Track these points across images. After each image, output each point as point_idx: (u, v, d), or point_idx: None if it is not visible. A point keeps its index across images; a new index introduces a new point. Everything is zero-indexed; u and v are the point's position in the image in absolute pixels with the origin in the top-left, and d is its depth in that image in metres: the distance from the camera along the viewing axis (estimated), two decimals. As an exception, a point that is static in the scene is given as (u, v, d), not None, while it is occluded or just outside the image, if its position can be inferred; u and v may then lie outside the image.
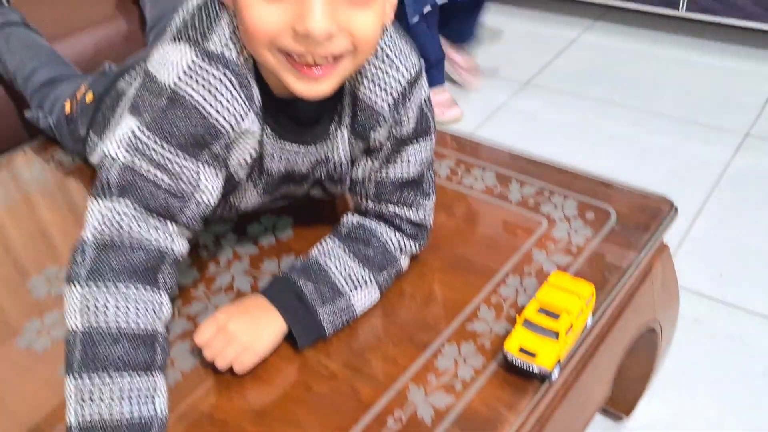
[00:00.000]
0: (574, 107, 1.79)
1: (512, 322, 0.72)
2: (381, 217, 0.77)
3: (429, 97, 0.73)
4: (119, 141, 0.61)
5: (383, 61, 0.67)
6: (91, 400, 0.57)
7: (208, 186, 0.64)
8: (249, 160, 0.69)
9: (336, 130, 0.72)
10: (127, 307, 0.60)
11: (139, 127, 0.61)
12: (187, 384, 0.70)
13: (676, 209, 0.86)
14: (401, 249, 0.76)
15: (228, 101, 0.61)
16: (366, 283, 0.73)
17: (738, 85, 1.81)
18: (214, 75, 0.60)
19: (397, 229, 0.77)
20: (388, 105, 0.68)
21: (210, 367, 0.71)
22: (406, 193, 0.76)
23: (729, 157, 1.58)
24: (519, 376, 0.67)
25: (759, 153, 1.58)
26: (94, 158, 0.93)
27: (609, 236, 0.82)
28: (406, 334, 0.73)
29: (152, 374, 0.60)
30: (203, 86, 0.60)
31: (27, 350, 0.76)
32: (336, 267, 0.73)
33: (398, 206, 0.76)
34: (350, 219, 0.78)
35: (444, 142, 1.00)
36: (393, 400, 0.66)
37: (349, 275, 0.73)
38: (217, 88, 0.61)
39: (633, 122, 1.72)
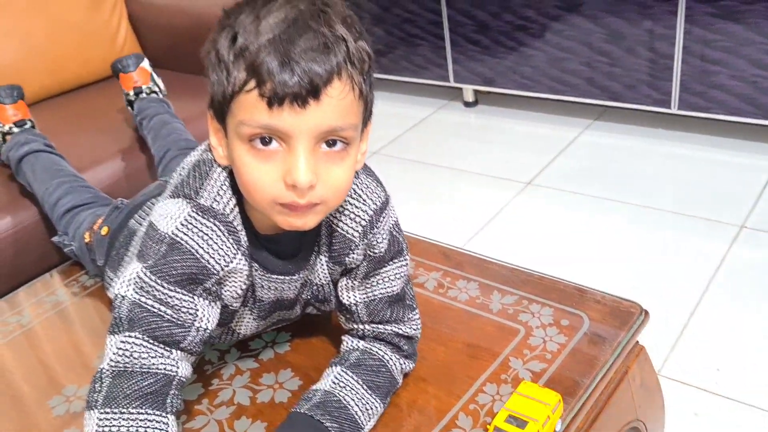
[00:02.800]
0: (575, 205, 1.87)
1: (486, 430, 0.77)
2: (379, 338, 0.83)
3: (397, 223, 0.82)
4: (128, 282, 0.71)
5: (353, 197, 0.78)
6: None
7: (205, 315, 0.73)
8: (241, 292, 0.78)
9: (316, 258, 0.82)
10: (137, 430, 0.67)
11: (143, 270, 0.71)
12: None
13: (647, 313, 0.91)
14: (401, 370, 0.84)
15: (218, 246, 0.71)
16: (378, 411, 0.80)
17: (732, 178, 1.88)
18: (206, 225, 0.71)
19: (397, 349, 0.83)
20: (359, 233, 0.78)
21: (208, 479, 0.77)
22: (397, 310, 0.83)
23: (725, 250, 1.62)
24: None
25: (755, 245, 1.63)
26: (111, 293, 1.02)
27: (581, 341, 0.88)
28: (391, 443, 0.78)
29: None
30: (197, 234, 0.71)
31: (45, 467, 0.83)
32: (354, 401, 0.77)
33: (393, 324, 0.83)
34: (354, 344, 0.84)
35: (432, 256, 1.08)
36: (375, 508, 0.71)
37: (366, 408, 0.78)
38: (209, 236, 0.71)
39: (632, 218, 1.78)
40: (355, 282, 0.82)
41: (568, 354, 0.86)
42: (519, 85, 2.27)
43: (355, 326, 0.84)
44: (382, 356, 0.82)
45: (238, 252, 0.73)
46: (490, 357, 0.88)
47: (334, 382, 0.79)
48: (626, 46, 2.00)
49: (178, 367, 0.72)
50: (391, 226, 0.81)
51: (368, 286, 0.82)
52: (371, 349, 0.83)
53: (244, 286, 0.78)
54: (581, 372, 0.84)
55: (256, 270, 0.78)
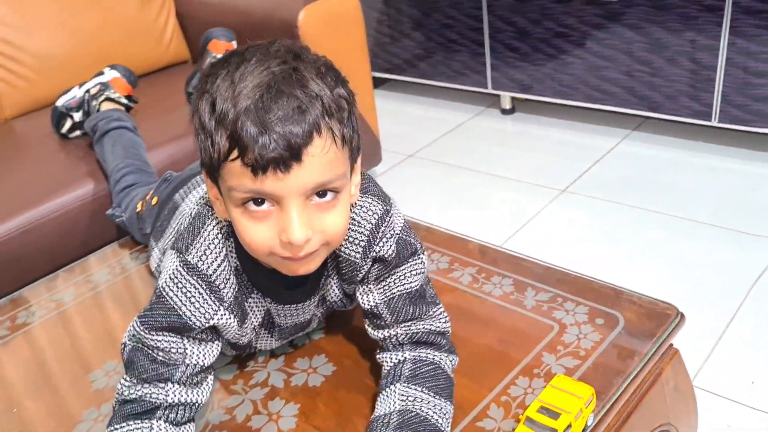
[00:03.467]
0: (610, 214, 1.86)
1: (518, 420, 0.77)
2: (417, 342, 0.82)
3: (404, 228, 0.82)
4: (129, 332, 0.78)
5: (352, 222, 0.79)
6: None
7: (194, 353, 0.77)
8: (256, 328, 0.84)
9: (325, 280, 0.85)
10: None
11: (137, 320, 0.77)
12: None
13: (682, 315, 0.91)
14: (451, 367, 0.83)
15: (200, 304, 0.75)
16: (451, 414, 0.78)
17: (772, 192, 1.85)
18: (189, 282, 0.75)
19: (438, 347, 0.82)
20: (359, 254, 0.79)
21: (242, 455, 0.78)
22: (419, 306, 0.82)
23: (764, 264, 1.60)
24: None
25: (795, 259, 1.60)
26: (152, 263, 1.06)
27: (616, 341, 0.88)
28: None
29: None
30: (181, 291, 0.75)
31: (84, 437, 0.85)
32: (431, 411, 0.76)
33: (421, 322, 0.82)
34: (398, 357, 0.82)
35: (468, 252, 1.08)
36: (404, 491, 0.72)
37: (443, 414, 0.76)
38: (191, 293, 0.75)
39: (669, 229, 1.77)
40: (370, 286, 0.83)
41: (602, 352, 0.86)
42: (557, 93, 2.27)
43: (385, 333, 0.82)
44: (432, 359, 0.81)
45: (220, 308, 0.77)
46: (523, 351, 0.88)
47: (402, 400, 0.77)
48: (668, 56, 1.99)
49: (167, 395, 0.76)
50: (397, 233, 0.80)
51: (385, 286, 0.82)
52: (419, 356, 0.81)
53: (257, 323, 0.83)
54: (615, 370, 0.84)
55: (270, 303, 0.83)
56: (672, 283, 1.57)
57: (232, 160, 0.65)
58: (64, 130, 1.61)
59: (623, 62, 2.08)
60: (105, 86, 1.58)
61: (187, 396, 0.77)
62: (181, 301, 0.75)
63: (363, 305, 0.83)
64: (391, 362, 0.82)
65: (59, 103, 1.60)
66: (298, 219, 0.66)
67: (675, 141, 2.15)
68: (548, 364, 0.85)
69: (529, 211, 1.91)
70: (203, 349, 0.78)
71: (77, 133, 1.61)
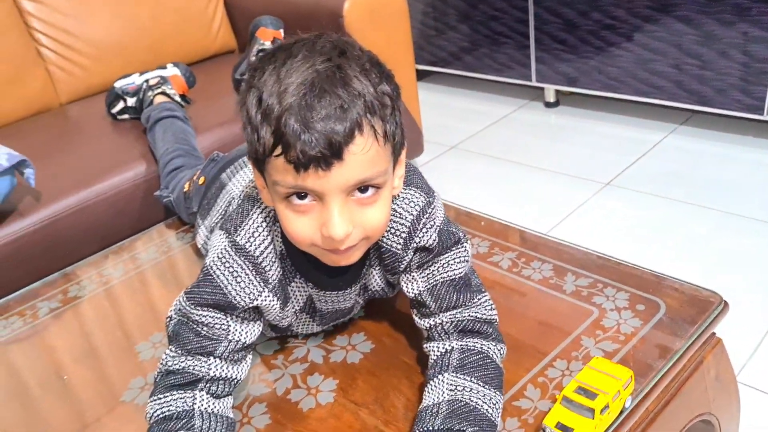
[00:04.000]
0: (656, 208, 1.83)
1: (555, 400, 0.77)
2: (464, 331, 0.81)
3: (445, 220, 0.82)
4: (175, 306, 0.81)
5: (393, 213, 0.80)
6: None
7: (238, 330, 0.79)
8: (297, 312, 0.87)
9: (367, 270, 0.86)
10: (162, 406, 0.76)
11: (184, 296, 0.79)
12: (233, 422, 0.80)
13: (726, 303, 0.89)
14: (500, 356, 0.81)
15: (246, 284, 0.77)
16: (501, 404, 0.77)
17: (826, 189, 1.80)
18: (237, 262, 0.77)
19: (485, 336, 0.81)
20: (401, 245, 0.81)
21: (281, 425, 0.80)
22: (464, 293, 0.82)
23: (815, 261, 1.56)
24: None
25: None
26: (198, 240, 1.09)
27: (657, 327, 0.87)
28: (457, 408, 0.79)
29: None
30: (228, 270, 0.77)
31: (130, 403, 0.88)
32: (480, 400, 0.74)
33: (466, 309, 0.81)
34: (445, 347, 0.81)
35: (508, 237, 1.08)
36: (439, 465, 0.73)
37: (493, 404, 0.75)
38: (237, 273, 0.77)
39: (715, 223, 1.73)
40: (413, 273, 0.83)
41: (642, 337, 0.86)
42: (603, 86, 2.24)
43: (430, 321, 0.82)
44: (480, 348, 0.79)
45: (264, 290, 0.79)
46: (562, 335, 0.88)
47: (451, 390, 0.76)
48: (719, 49, 1.95)
49: (209, 369, 0.78)
50: (437, 225, 0.81)
51: (429, 274, 0.82)
52: (466, 345, 0.80)
53: (298, 307, 0.85)
54: (655, 355, 0.83)
55: (312, 288, 0.84)
56: (718, 276, 1.54)
57: (276, 156, 0.66)
58: (115, 110, 1.67)
59: (672, 55, 2.05)
60: (164, 80, 1.63)
61: (228, 371, 0.79)
62: (227, 280, 0.77)
63: (408, 293, 0.84)
64: (438, 352, 0.81)
65: (117, 84, 1.66)
66: (338, 215, 0.68)
67: (724, 135, 2.11)
68: (587, 348, 0.85)
69: (571, 203, 1.90)
70: (245, 328, 0.80)
71: (126, 116, 1.67)
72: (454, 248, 0.82)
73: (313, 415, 0.82)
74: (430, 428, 0.72)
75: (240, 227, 0.78)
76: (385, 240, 0.81)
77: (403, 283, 0.84)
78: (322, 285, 0.84)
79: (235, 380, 0.80)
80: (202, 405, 0.77)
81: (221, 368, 0.78)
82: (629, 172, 2.01)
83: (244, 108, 0.69)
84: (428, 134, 2.20)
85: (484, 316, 0.82)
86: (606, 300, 0.92)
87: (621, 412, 0.76)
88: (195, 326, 0.78)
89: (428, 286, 0.82)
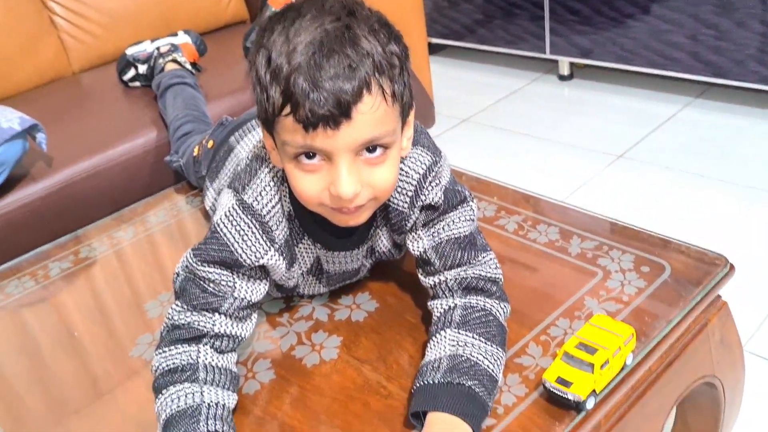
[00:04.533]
0: (668, 181, 1.81)
1: (556, 354, 0.78)
2: (467, 288, 0.81)
3: (451, 180, 0.83)
4: (182, 262, 0.80)
5: (400, 173, 0.80)
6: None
7: (243, 288, 0.80)
8: (304, 272, 0.87)
9: (374, 231, 0.86)
10: (167, 359, 0.77)
11: (191, 253, 0.79)
12: (265, 393, 0.81)
13: (732, 266, 0.89)
14: (504, 315, 0.81)
15: (251, 242, 0.78)
16: (503, 361, 0.77)
17: (843, 161, 1.77)
18: (244, 221, 0.77)
19: (488, 294, 0.81)
20: (407, 204, 0.81)
21: (285, 380, 0.81)
22: (469, 252, 0.82)
23: (829, 233, 1.54)
24: (557, 406, 0.73)
25: None
26: (207, 203, 1.10)
27: (661, 288, 0.87)
28: (459, 365, 0.80)
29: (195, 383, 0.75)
30: (235, 228, 0.77)
31: (138, 359, 0.90)
32: (482, 356, 0.75)
33: (471, 267, 0.81)
34: (449, 304, 0.81)
35: (514, 200, 1.08)
36: (440, 418, 0.74)
37: (495, 359, 0.75)
38: (245, 231, 0.77)
39: (730, 196, 1.72)
40: (419, 232, 0.84)
41: (646, 298, 0.85)
42: (618, 58, 2.21)
43: (435, 279, 0.83)
44: (483, 306, 0.79)
45: (271, 249, 0.79)
46: (565, 295, 0.88)
47: (452, 345, 0.76)
48: (737, 19, 1.92)
49: (214, 325, 0.78)
50: (443, 184, 0.81)
51: (434, 232, 0.83)
52: (469, 303, 0.80)
53: (305, 268, 0.86)
54: (658, 316, 0.83)
55: (319, 249, 0.85)
56: (731, 247, 1.52)
57: (285, 115, 0.67)
58: (126, 77, 1.68)
59: (689, 26, 2.02)
60: (175, 48, 1.64)
61: (232, 328, 0.79)
62: (233, 238, 0.77)
63: (413, 252, 0.84)
64: (441, 309, 0.82)
65: (129, 51, 1.67)
66: (347, 174, 0.69)
67: (741, 108, 2.08)
68: (590, 308, 0.85)
69: (583, 175, 1.89)
70: (251, 286, 0.80)
71: (137, 83, 1.68)
72: (459, 207, 0.83)
73: (317, 371, 0.83)
74: (430, 382, 0.73)
75: (248, 186, 0.78)
76: (391, 199, 0.81)
77: (408, 241, 0.84)
78: (330, 245, 0.85)
79: (240, 338, 0.80)
80: (206, 358, 0.77)
81: (226, 325, 0.79)
82: (642, 145, 1.99)
83: (254, 68, 0.70)
84: (440, 107, 2.19)
85: (489, 275, 0.82)
86: (611, 262, 0.92)
87: (622, 369, 0.76)
88: (201, 282, 0.78)
89: (433, 244, 0.82)
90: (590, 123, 2.15)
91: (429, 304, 0.84)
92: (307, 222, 0.82)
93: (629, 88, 2.30)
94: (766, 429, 1.14)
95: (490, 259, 0.83)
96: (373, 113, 0.67)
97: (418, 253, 0.84)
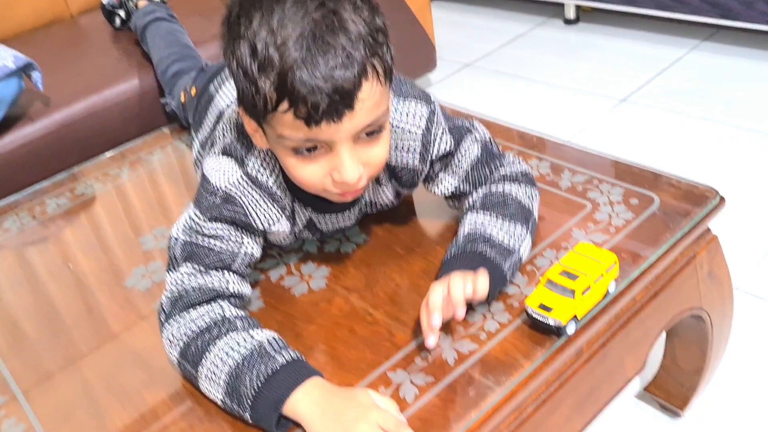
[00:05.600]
0: (671, 124, 1.79)
1: (539, 281, 0.78)
2: (487, 188, 0.85)
3: (446, 116, 0.84)
4: (182, 227, 0.79)
5: (397, 132, 0.80)
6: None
7: (251, 244, 0.80)
8: (299, 230, 0.86)
9: (376, 189, 0.86)
10: (188, 324, 0.74)
11: (196, 214, 0.78)
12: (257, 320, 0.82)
13: (722, 199, 0.89)
14: (529, 196, 0.84)
15: (264, 211, 0.79)
16: (523, 236, 0.80)
17: None
18: (253, 193, 0.78)
19: (512, 181, 0.84)
20: (417, 160, 0.82)
21: (273, 308, 0.83)
22: (491, 163, 0.85)
23: (830, 175, 1.53)
24: (539, 332, 0.74)
25: None
26: (193, 153, 1.08)
27: (649, 220, 0.87)
28: (445, 293, 0.81)
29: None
30: (246, 198, 0.78)
31: (132, 289, 0.91)
32: (495, 230, 0.79)
33: (497, 172, 0.85)
34: (478, 193, 0.85)
35: (508, 137, 1.08)
36: (423, 344, 0.75)
37: (510, 234, 0.79)
38: (256, 202, 0.78)
39: (732, 140, 1.70)
40: (440, 176, 0.86)
41: (634, 229, 0.85)
42: (625, 0, 2.16)
43: (471, 199, 0.86)
44: (503, 190, 0.83)
45: (282, 216, 0.80)
46: (553, 227, 0.88)
47: (470, 225, 0.80)
48: (746, -42, 1.87)
49: (228, 284, 0.77)
50: (446, 127, 0.82)
51: (455, 168, 0.85)
52: (489, 189, 0.84)
53: (301, 227, 0.85)
54: (644, 247, 0.83)
55: (311, 212, 0.85)
56: (733, 190, 1.51)
57: (283, 111, 0.66)
58: (117, 25, 1.67)
59: (697, -35, 1.97)
60: None
61: (242, 287, 0.79)
62: (248, 205, 0.78)
63: (439, 193, 0.87)
64: (468, 202, 0.85)
65: (104, 1, 1.65)
66: (350, 160, 0.69)
67: (748, 51, 2.04)
68: (577, 239, 0.85)
69: (584, 120, 1.87)
70: (256, 241, 0.81)
71: (128, 29, 1.66)
72: (467, 136, 0.85)
73: (305, 299, 0.84)
74: (448, 257, 0.78)
75: (246, 158, 0.78)
76: (398, 159, 0.82)
77: (431, 188, 0.87)
78: (322, 209, 0.85)
79: (247, 297, 0.80)
80: (232, 312, 0.75)
81: (238, 283, 0.78)
82: (647, 89, 1.96)
83: (234, 58, 0.67)
84: (442, 51, 2.17)
85: (517, 170, 0.86)
86: (600, 195, 0.92)
87: (604, 297, 0.76)
88: (209, 241, 0.77)
89: (459, 178, 0.85)
90: (594, 67, 2.12)
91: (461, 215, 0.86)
92: (296, 188, 0.80)
93: (636, 32, 2.25)
94: (758, 367, 1.15)
95: (512, 157, 0.88)
96: (371, 98, 0.67)
97: (449, 193, 0.86)
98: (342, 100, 0.65)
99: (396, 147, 0.81)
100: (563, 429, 0.78)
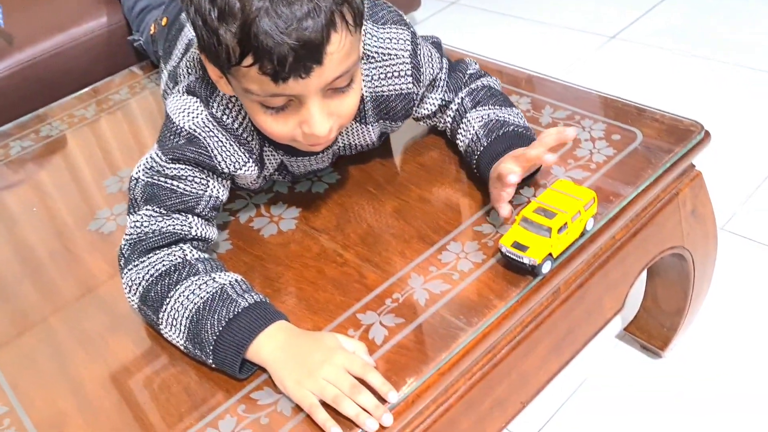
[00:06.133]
0: (662, 62, 1.74)
1: (515, 219, 0.75)
2: (467, 88, 0.86)
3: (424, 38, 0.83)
4: (142, 167, 0.74)
5: (384, 60, 0.77)
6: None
7: (216, 186, 0.76)
8: (270, 173, 0.83)
9: (358, 131, 0.82)
10: (149, 268, 0.71)
11: (158, 154, 0.74)
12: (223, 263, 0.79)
13: (708, 133, 0.85)
14: (498, 85, 0.88)
15: (230, 155, 0.75)
16: (522, 115, 0.84)
17: None
18: (219, 135, 0.74)
19: (483, 76, 0.87)
20: (410, 83, 0.79)
21: (241, 250, 0.80)
22: (457, 67, 0.86)
23: (821, 112, 1.49)
24: (514, 271, 0.71)
25: None
26: (161, 85, 1.04)
27: (631, 155, 0.83)
28: (418, 233, 0.78)
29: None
30: (211, 140, 0.74)
31: (96, 232, 0.88)
32: (507, 114, 0.81)
33: (466, 71, 0.86)
34: (460, 96, 0.85)
35: (488, 72, 1.03)
36: (394, 285, 0.72)
37: (517, 114, 0.83)
38: (222, 144, 0.75)
39: (725, 77, 1.65)
40: (424, 95, 0.84)
41: (614, 165, 0.82)
42: (617, -67, 2.08)
43: (452, 109, 0.86)
44: (481, 84, 0.85)
45: (249, 161, 0.77)
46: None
47: (478, 120, 0.81)
48: None
49: (191, 227, 0.74)
50: (428, 47, 0.81)
51: (435, 85, 0.84)
52: (469, 89, 0.85)
53: (272, 169, 0.82)
54: (625, 183, 0.80)
55: (282, 155, 0.81)
56: (720, 131, 1.48)
57: (247, 66, 0.62)
58: None
59: None
60: None
61: (207, 231, 0.76)
62: (214, 147, 0.74)
63: (429, 112, 0.85)
64: (452, 110, 0.85)
65: None
66: (319, 114, 0.67)
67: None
68: (556, 176, 0.82)
69: (573, 57, 1.82)
70: (222, 183, 0.77)
71: None
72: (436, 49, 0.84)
73: (274, 240, 0.81)
74: (482, 148, 0.79)
75: (212, 99, 0.75)
76: (390, 88, 0.79)
77: (417, 110, 0.85)
78: (293, 152, 0.81)
79: (211, 241, 0.77)
80: (194, 255, 0.72)
81: (202, 227, 0.75)
82: (636, 26, 1.90)
83: (192, 3, 0.62)
84: (427, -12, 2.09)
85: (476, 68, 0.88)
86: (582, 131, 0.88)
87: (582, 235, 0.74)
88: (172, 182, 0.73)
89: (442, 90, 0.84)
90: (584, 4, 2.05)
91: (454, 138, 0.86)
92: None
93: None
94: (739, 308, 1.14)
95: (466, 59, 0.89)
96: (341, 50, 0.63)
97: (434, 109, 0.85)
98: (310, 55, 0.61)
99: (386, 76, 0.78)
100: (539, 371, 0.77)
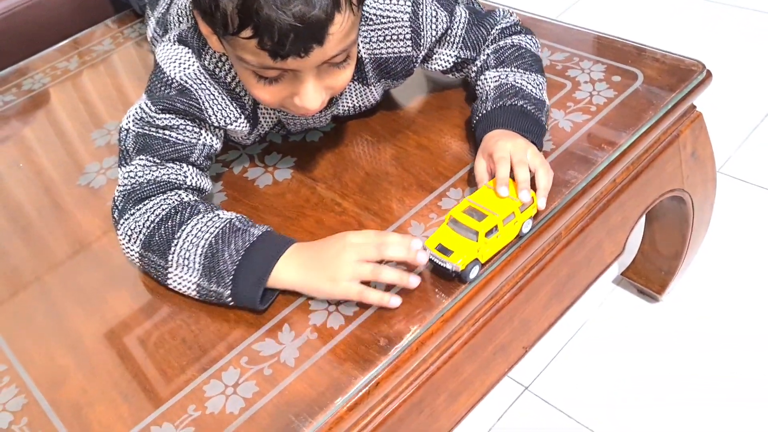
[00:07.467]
0: (663, 3, 1.71)
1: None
2: (495, 44, 0.82)
3: None
4: (132, 117, 0.72)
5: (383, 22, 0.74)
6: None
7: (209, 135, 0.74)
8: (266, 130, 0.81)
9: (362, 92, 0.81)
10: (145, 216, 0.69)
11: (147, 104, 0.71)
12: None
13: (709, 73, 0.84)
14: (533, 45, 0.82)
15: (221, 109, 0.73)
16: (545, 85, 0.80)
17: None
18: (211, 88, 0.72)
19: (515, 33, 0.82)
20: (409, 47, 0.76)
21: (236, 201, 0.78)
22: (483, 22, 0.81)
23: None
24: (438, 276, 0.66)
25: None
26: (148, 32, 1.01)
27: (631, 97, 0.82)
28: (417, 181, 0.77)
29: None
30: (203, 92, 0.72)
31: (86, 187, 0.86)
32: (526, 82, 0.77)
33: (495, 26, 0.81)
34: (486, 52, 0.81)
35: (483, 14, 1.00)
36: (395, 231, 0.71)
37: (537, 84, 0.78)
38: (214, 97, 0.72)
39: (725, 18, 1.63)
40: (434, 51, 0.81)
41: (615, 108, 0.81)
42: None
43: (477, 65, 0.82)
44: (512, 42, 0.81)
45: (241, 116, 0.74)
46: (531, 108, 0.83)
47: (495, 80, 0.78)
48: None
49: (186, 177, 0.72)
50: (435, 6, 0.77)
51: (448, 39, 0.80)
52: (498, 45, 0.81)
53: (268, 128, 0.80)
54: (625, 125, 0.78)
55: (279, 113, 0.79)
56: (725, 68, 1.47)
57: (246, 38, 0.59)
58: None
59: None
60: None
61: (201, 181, 0.74)
62: (205, 99, 0.72)
63: (441, 68, 0.82)
64: (476, 66, 0.82)
65: None
66: (313, 89, 0.65)
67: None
68: (555, 120, 0.81)
69: (563, 3, 1.78)
70: (216, 132, 0.75)
71: None
72: (456, 6, 0.80)
73: (270, 191, 0.80)
74: (484, 112, 0.75)
75: (204, 51, 0.72)
76: (388, 50, 0.76)
77: (428, 66, 0.82)
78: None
79: (206, 191, 0.75)
80: (192, 198, 0.71)
81: (196, 176, 0.73)
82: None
83: None
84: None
85: (513, 21, 0.83)
86: (581, 73, 0.86)
87: (519, 238, 0.68)
88: (163, 132, 0.71)
89: (457, 47, 0.81)
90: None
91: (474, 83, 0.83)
92: None
93: None
94: (737, 252, 1.14)
95: (503, 11, 0.84)
96: (342, 30, 0.61)
97: (448, 66, 0.82)
98: (311, 35, 0.59)
99: (384, 38, 0.76)
100: (540, 316, 0.77)
